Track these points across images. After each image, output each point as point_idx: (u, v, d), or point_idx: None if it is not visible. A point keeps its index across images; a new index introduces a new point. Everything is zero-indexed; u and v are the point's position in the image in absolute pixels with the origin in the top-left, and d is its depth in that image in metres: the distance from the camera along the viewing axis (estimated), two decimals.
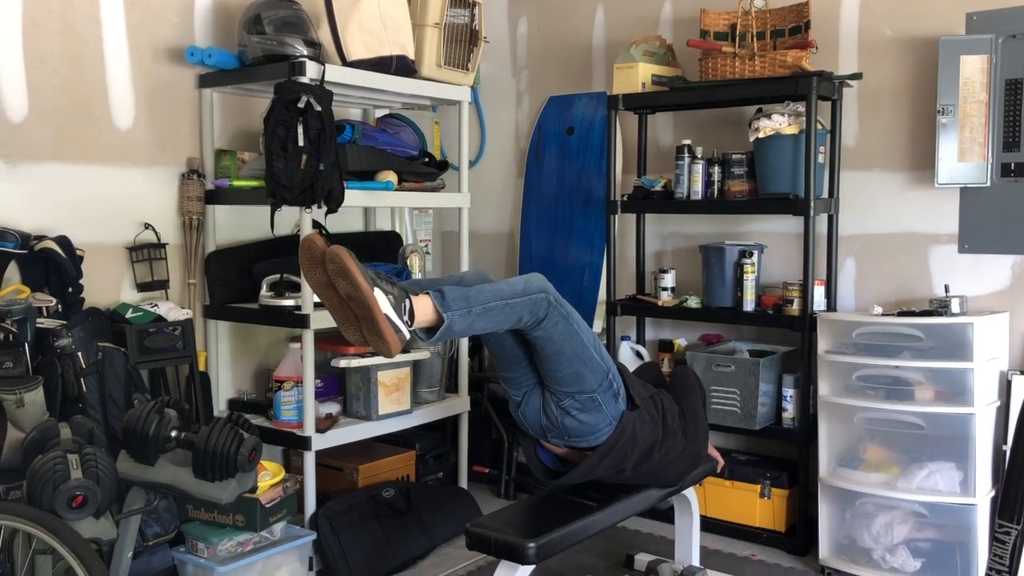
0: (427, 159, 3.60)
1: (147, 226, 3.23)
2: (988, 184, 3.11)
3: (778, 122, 3.31)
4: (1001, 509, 1.79)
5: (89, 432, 2.38)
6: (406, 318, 2.04)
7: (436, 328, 2.11)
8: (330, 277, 2.00)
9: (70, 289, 2.87)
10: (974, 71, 3.08)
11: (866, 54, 3.41)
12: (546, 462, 2.57)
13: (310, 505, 3.17)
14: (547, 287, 2.25)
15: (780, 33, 3.43)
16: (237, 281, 3.42)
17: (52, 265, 2.85)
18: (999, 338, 3.09)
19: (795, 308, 3.34)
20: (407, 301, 2.05)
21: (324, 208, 3.01)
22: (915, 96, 3.31)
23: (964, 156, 3.11)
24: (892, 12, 3.35)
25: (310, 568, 2.99)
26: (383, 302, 2.00)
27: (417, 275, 3.60)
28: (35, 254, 2.82)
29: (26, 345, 2.54)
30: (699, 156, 3.56)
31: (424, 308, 2.09)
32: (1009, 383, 3.05)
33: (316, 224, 3.13)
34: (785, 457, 3.51)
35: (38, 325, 2.63)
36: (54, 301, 2.81)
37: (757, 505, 3.41)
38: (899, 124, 3.36)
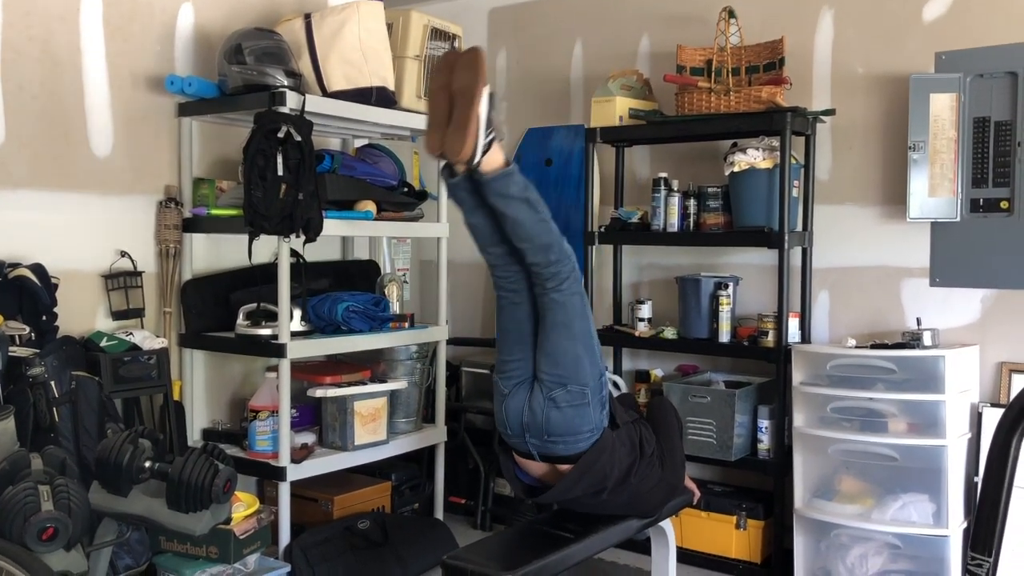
0: (406, 189, 3.62)
1: (123, 254, 3.22)
2: (958, 219, 3.17)
3: (753, 156, 3.36)
4: (973, 541, 1.81)
5: (61, 463, 2.34)
6: (488, 139, 2.21)
7: (493, 172, 2.24)
8: (454, 70, 2.19)
9: (44, 317, 2.84)
10: (943, 109, 3.15)
11: (839, 91, 3.48)
12: (525, 481, 2.57)
13: (284, 536, 3.13)
14: (574, 257, 2.39)
15: (755, 69, 3.49)
16: (213, 310, 3.40)
17: (26, 293, 2.82)
18: (970, 371, 3.13)
19: (770, 340, 3.37)
20: (493, 133, 2.22)
21: (302, 237, 3.01)
22: (886, 132, 3.38)
23: (935, 191, 3.18)
24: (864, 50, 3.42)
25: None
26: (485, 103, 2.19)
27: (395, 304, 3.60)
28: (9, 282, 2.79)
29: None
30: (675, 189, 3.60)
31: (498, 150, 2.25)
32: (980, 415, 3.09)
33: (294, 253, 3.13)
34: (761, 488, 3.53)
35: (10, 353, 2.60)
36: (27, 329, 2.77)
37: (733, 536, 3.42)
38: (871, 159, 3.43)
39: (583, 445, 2.39)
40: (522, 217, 2.28)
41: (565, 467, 2.42)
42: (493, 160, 2.23)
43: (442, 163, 2.32)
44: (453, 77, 2.20)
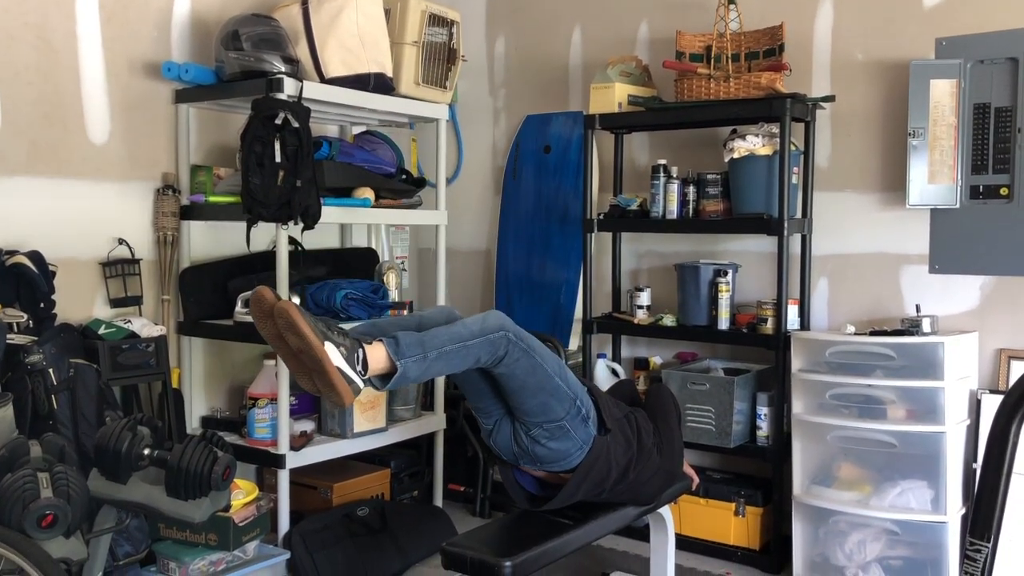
0: (404, 176, 3.61)
1: (121, 241, 3.21)
2: (957, 206, 3.16)
3: (752, 143, 3.35)
4: (972, 527, 1.81)
5: (60, 450, 2.34)
6: (359, 368, 2.05)
7: (391, 375, 2.11)
8: (276, 325, 2.02)
9: (42, 304, 2.84)
10: (943, 95, 3.14)
11: (839, 77, 3.47)
12: (526, 486, 2.58)
13: (284, 524, 3.14)
14: (505, 324, 2.25)
15: (755, 55, 3.47)
16: (211, 297, 3.40)
17: (24, 280, 2.82)
18: (969, 357, 3.13)
19: (769, 327, 3.36)
20: (360, 351, 2.06)
21: (300, 225, 3.01)
22: (886, 119, 3.37)
23: (934, 178, 3.17)
24: (864, 36, 3.41)
25: None
26: (334, 355, 2.01)
27: (393, 292, 3.60)
28: (6, 269, 2.79)
29: None
30: (675, 176, 3.59)
31: (377, 356, 2.09)
32: (979, 402, 3.09)
33: (292, 240, 3.12)
34: (759, 475, 3.53)
35: (8, 341, 2.60)
36: (25, 317, 2.77)
37: (732, 523, 3.42)
38: (871, 146, 3.42)
39: (576, 461, 2.42)
40: (438, 369, 2.19)
41: (565, 474, 2.46)
42: (376, 367, 2.09)
43: None
44: (282, 334, 2.02)
